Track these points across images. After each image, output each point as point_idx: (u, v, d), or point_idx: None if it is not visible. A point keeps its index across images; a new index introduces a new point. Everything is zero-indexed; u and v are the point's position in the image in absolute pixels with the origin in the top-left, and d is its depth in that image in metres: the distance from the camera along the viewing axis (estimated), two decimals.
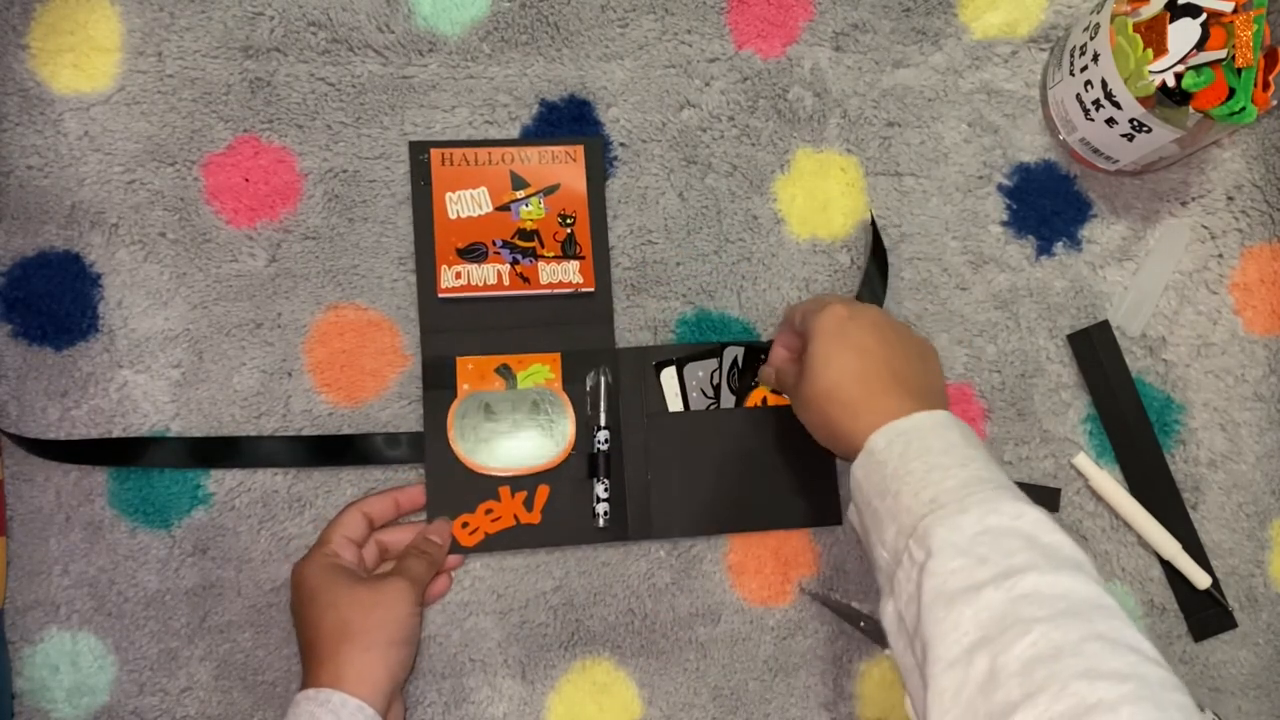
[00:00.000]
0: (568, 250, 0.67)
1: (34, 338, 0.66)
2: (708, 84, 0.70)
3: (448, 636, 0.65)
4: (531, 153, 0.68)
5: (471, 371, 0.66)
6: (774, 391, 0.68)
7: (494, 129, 0.69)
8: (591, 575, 0.66)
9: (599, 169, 0.68)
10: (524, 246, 0.67)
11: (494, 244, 0.67)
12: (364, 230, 0.68)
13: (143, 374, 0.66)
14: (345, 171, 0.68)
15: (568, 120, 0.69)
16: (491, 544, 0.65)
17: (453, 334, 0.66)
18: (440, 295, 0.66)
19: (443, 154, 0.67)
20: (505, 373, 0.66)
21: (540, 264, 0.67)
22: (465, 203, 0.67)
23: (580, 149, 0.68)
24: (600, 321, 0.67)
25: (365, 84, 0.69)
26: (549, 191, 0.67)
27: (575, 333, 0.67)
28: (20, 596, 0.64)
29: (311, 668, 0.58)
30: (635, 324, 0.69)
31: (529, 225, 0.67)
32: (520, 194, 0.67)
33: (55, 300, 0.66)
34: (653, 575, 0.67)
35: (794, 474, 0.67)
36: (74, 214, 0.67)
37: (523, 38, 0.70)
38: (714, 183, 0.70)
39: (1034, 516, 0.49)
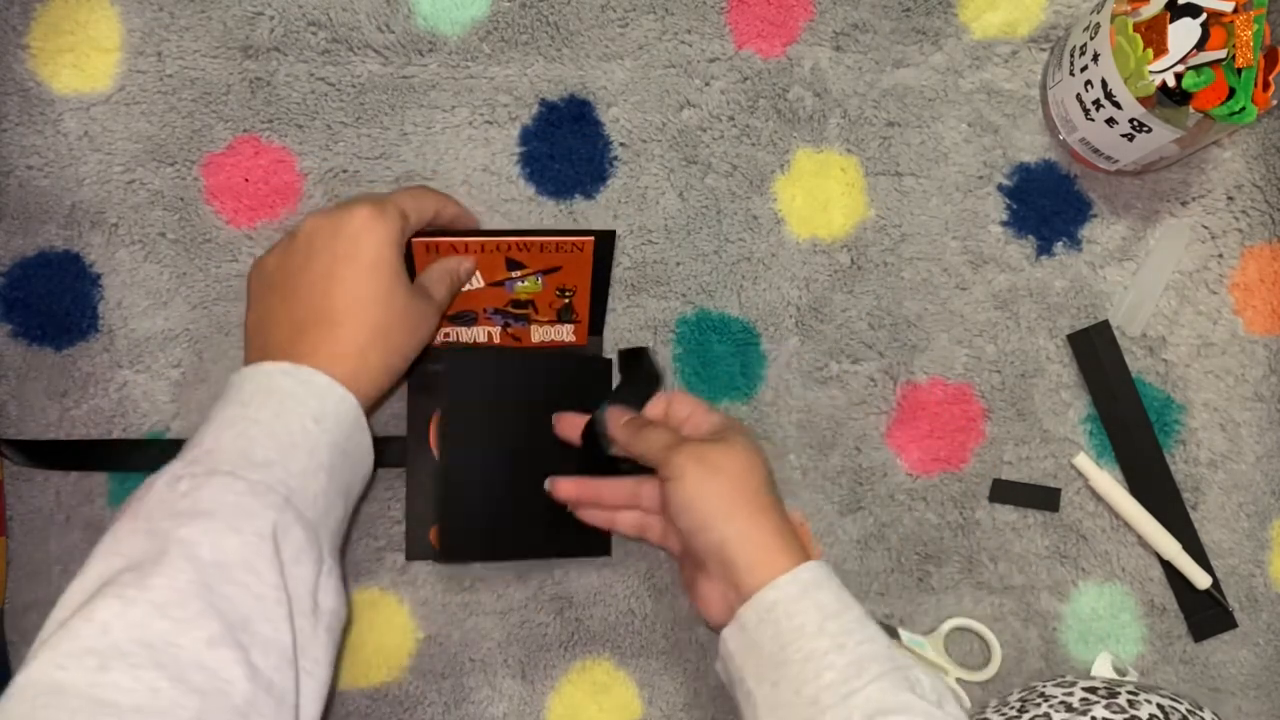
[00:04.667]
0: (563, 317, 0.65)
1: (34, 338, 0.66)
2: (708, 84, 0.70)
3: (448, 636, 0.65)
4: (532, 243, 0.61)
5: None
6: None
7: (494, 129, 0.69)
8: (591, 575, 0.66)
9: (608, 257, 0.64)
10: (517, 314, 0.65)
11: (485, 311, 0.64)
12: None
13: (143, 374, 0.66)
14: (345, 171, 0.68)
15: (568, 120, 0.69)
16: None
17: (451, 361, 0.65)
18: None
19: (426, 244, 0.60)
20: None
21: (533, 326, 0.65)
22: None
23: (589, 241, 0.62)
24: (596, 375, 0.67)
25: (365, 84, 0.69)
26: (548, 271, 0.63)
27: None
28: (20, 596, 0.64)
29: (312, 334, 0.52)
30: (635, 324, 0.69)
31: (524, 297, 0.64)
32: (516, 274, 0.63)
33: (55, 300, 0.66)
34: (653, 575, 0.67)
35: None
36: (74, 214, 0.67)
37: (523, 38, 0.70)
38: (714, 183, 0.70)
39: (920, 709, 0.48)
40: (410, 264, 0.60)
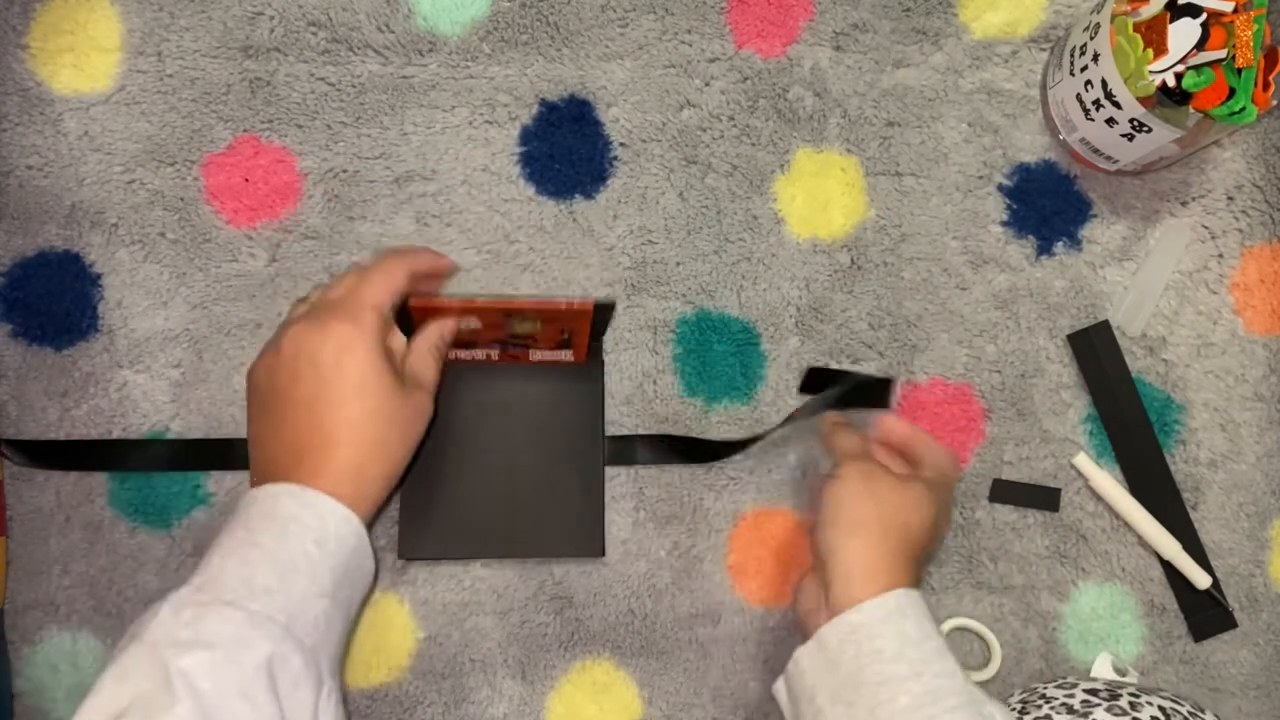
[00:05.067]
0: (563, 346, 0.65)
1: (34, 338, 0.66)
2: (708, 84, 0.70)
3: (448, 636, 0.65)
4: (531, 311, 0.59)
5: None
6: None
7: (494, 129, 0.69)
8: (591, 575, 0.66)
9: (605, 323, 0.64)
10: (518, 343, 0.64)
11: (485, 340, 0.64)
12: (364, 230, 0.68)
13: (143, 374, 0.66)
14: (345, 171, 0.68)
15: (568, 120, 0.69)
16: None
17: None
18: None
19: (425, 307, 0.59)
20: None
21: (533, 351, 0.65)
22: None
23: (588, 308, 0.59)
24: (590, 376, 0.67)
25: (365, 84, 0.69)
26: (548, 321, 0.61)
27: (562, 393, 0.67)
28: (20, 596, 0.64)
29: (311, 459, 0.52)
30: (635, 324, 0.69)
31: (523, 334, 0.63)
32: (514, 320, 0.61)
33: (55, 300, 0.66)
34: (653, 575, 0.67)
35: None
36: (74, 214, 0.67)
37: (523, 38, 0.69)
38: (714, 183, 0.70)
39: None
40: (409, 323, 0.59)
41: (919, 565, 0.58)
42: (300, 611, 0.49)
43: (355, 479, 0.53)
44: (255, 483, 0.55)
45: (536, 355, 0.66)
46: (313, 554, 0.51)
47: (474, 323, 0.61)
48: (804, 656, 0.54)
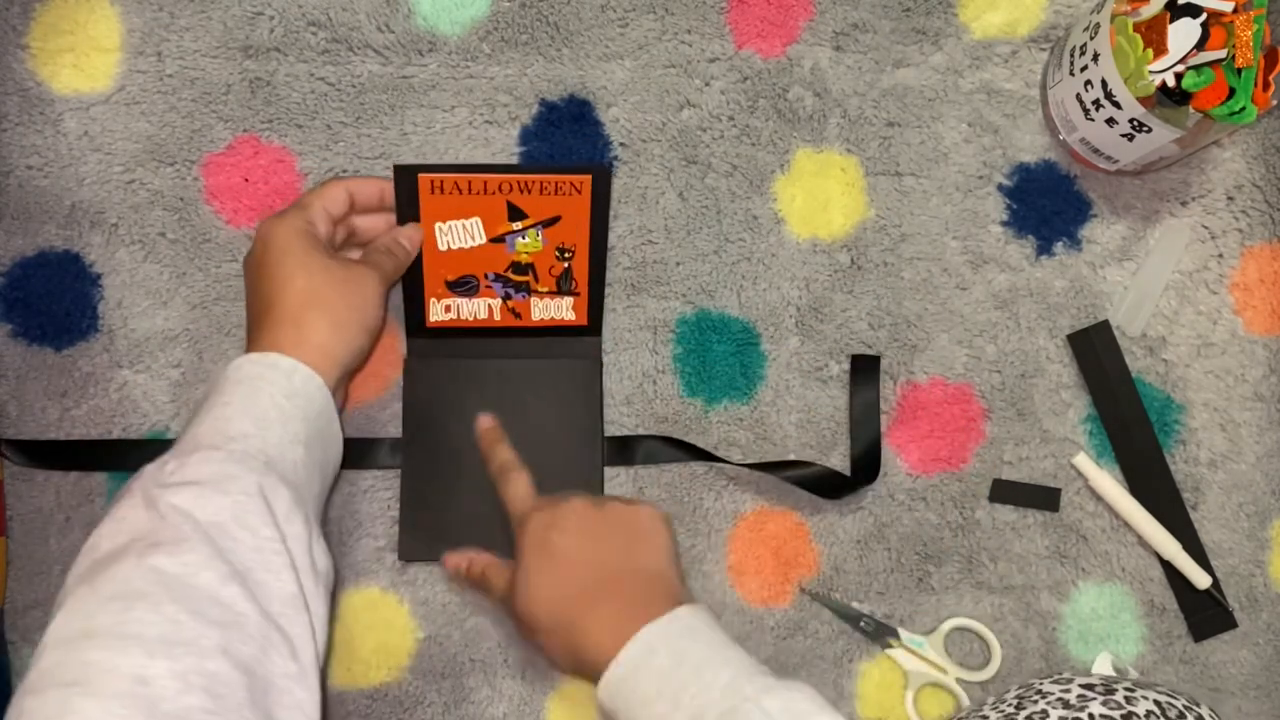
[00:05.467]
0: (563, 286, 0.65)
1: (34, 338, 0.66)
2: (708, 84, 0.70)
3: (448, 636, 0.65)
4: (533, 182, 0.62)
5: None
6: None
7: (494, 129, 0.69)
8: None
9: (605, 200, 0.63)
10: (517, 280, 0.65)
11: (486, 277, 0.65)
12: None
13: (143, 374, 0.66)
14: (345, 171, 0.68)
15: (568, 120, 0.69)
16: None
17: (438, 362, 0.66)
18: (428, 327, 0.66)
19: (432, 180, 0.61)
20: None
21: (533, 299, 0.65)
22: (456, 234, 0.63)
23: (587, 179, 0.62)
24: (589, 359, 0.67)
25: (365, 84, 0.69)
26: (548, 224, 0.63)
27: (563, 370, 0.67)
28: (20, 596, 0.64)
29: (264, 330, 0.56)
30: (635, 324, 0.69)
31: (524, 259, 0.64)
32: (517, 225, 0.63)
33: (55, 300, 0.66)
34: None
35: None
36: (74, 214, 0.67)
37: (523, 38, 0.69)
38: (714, 183, 0.70)
39: None
40: (416, 205, 0.62)
41: (659, 575, 0.56)
42: (279, 455, 0.51)
43: (295, 330, 0.55)
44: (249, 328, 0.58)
45: (538, 310, 0.66)
46: (284, 405, 0.53)
47: (477, 231, 0.62)
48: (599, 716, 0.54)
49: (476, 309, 0.65)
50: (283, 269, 0.56)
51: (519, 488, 0.60)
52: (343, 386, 0.60)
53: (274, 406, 0.53)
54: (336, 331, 0.56)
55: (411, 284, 0.64)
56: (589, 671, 0.53)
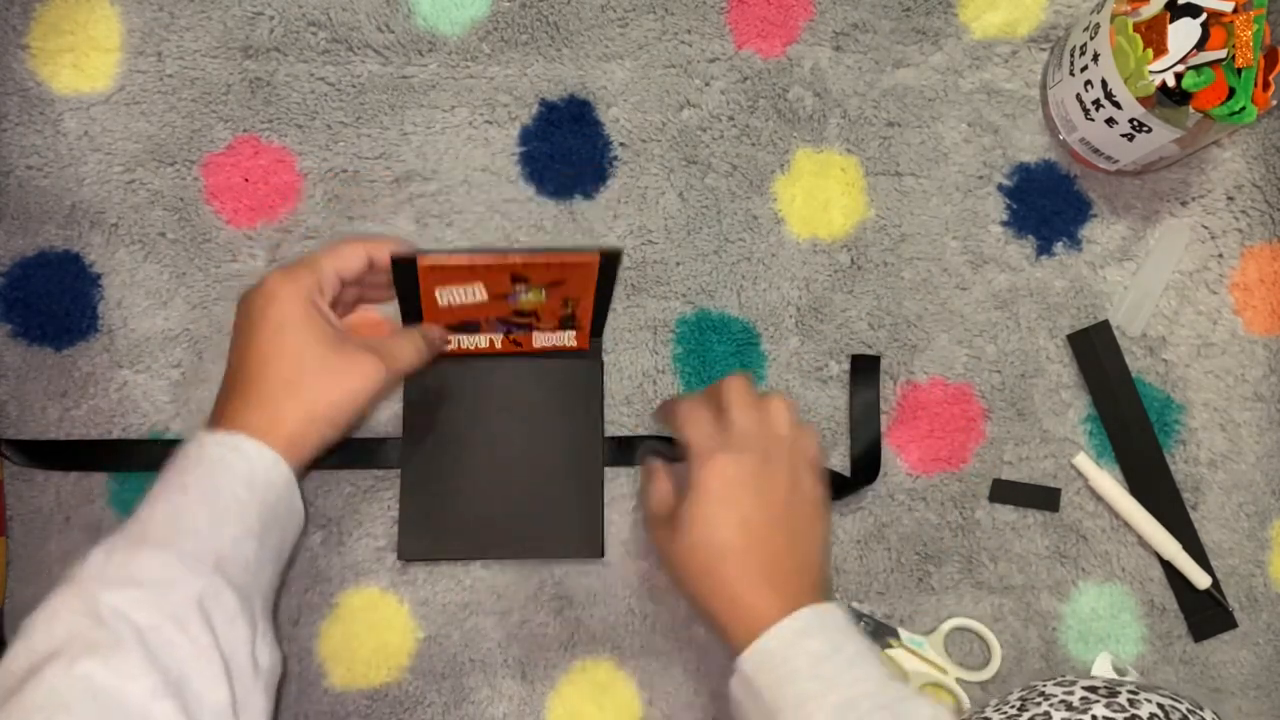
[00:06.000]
0: (566, 324, 0.65)
1: (34, 338, 0.66)
2: (708, 84, 0.70)
3: (448, 636, 0.65)
4: (538, 263, 0.59)
5: None
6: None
7: (494, 129, 0.69)
8: (591, 575, 0.66)
9: (612, 275, 0.61)
10: (520, 322, 0.64)
11: (488, 320, 0.64)
12: (364, 230, 0.68)
13: (143, 374, 0.66)
14: (345, 171, 0.68)
15: (568, 120, 0.69)
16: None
17: (439, 362, 0.65)
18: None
19: (433, 265, 0.57)
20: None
21: (535, 333, 0.65)
22: (457, 295, 0.60)
23: (595, 260, 0.59)
24: (590, 359, 0.67)
25: (365, 84, 0.69)
26: (553, 285, 0.61)
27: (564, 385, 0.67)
28: (20, 596, 0.64)
29: (236, 402, 0.53)
30: (635, 324, 0.69)
31: (527, 308, 0.63)
32: (520, 287, 0.60)
33: (55, 300, 0.66)
34: (653, 575, 0.67)
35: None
36: (74, 214, 0.67)
37: (523, 38, 0.69)
38: (714, 183, 0.70)
39: None
40: (416, 288, 0.59)
41: (817, 565, 0.58)
42: (230, 553, 0.50)
43: (270, 414, 0.53)
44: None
45: (540, 340, 0.65)
46: (241, 496, 0.51)
47: (479, 293, 0.60)
48: (734, 685, 0.55)
49: (477, 340, 0.65)
50: (273, 343, 0.54)
51: (701, 424, 0.59)
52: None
53: (233, 499, 0.51)
54: (312, 425, 0.54)
55: (409, 318, 0.62)
56: (724, 624, 0.55)
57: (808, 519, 0.59)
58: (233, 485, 0.51)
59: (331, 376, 0.54)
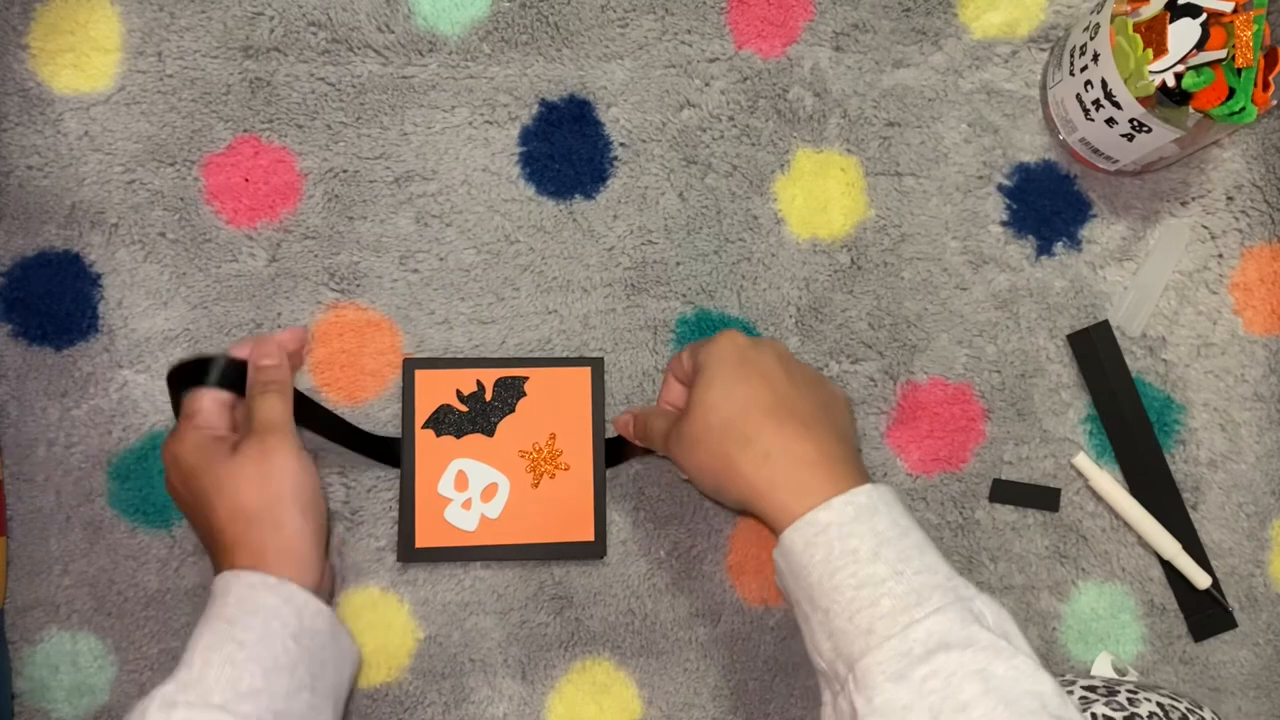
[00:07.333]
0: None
1: (34, 338, 0.66)
2: (708, 84, 0.70)
3: (448, 636, 0.65)
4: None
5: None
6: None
7: (494, 129, 0.69)
8: (591, 575, 0.66)
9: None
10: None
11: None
12: (364, 230, 0.68)
13: (143, 374, 0.66)
14: (345, 171, 0.68)
15: (568, 120, 0.69)
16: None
17: (440, 362, 0.67)
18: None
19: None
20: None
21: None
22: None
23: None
24: (590, 359, 0.68)
25: (365, 84, 0.69)
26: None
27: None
28: (20, 596, 0.64)
29: (222, 554, 0.54)
30: (635, 324, 0.69)
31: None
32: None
33: (55, 300, 0.66)
34: (653, 575, 0.67)
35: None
36: (74, 214, 0.67)
37: (523, 38, 0.70)
38: (714, 183, 0.70)
39: (985, 641, 0.44)
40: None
41: (854, 438, 0.55)
42: (286, 708, 0.50)
43: (280, 549, 0.53)
44: (222, 538, 0.54)
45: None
46: (292, 649, 0.51)
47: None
48: (778, 557, 0.51)
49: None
50: (200, 495, 0.54)
51: (681, 359, 0.59)
52: (324, 561, 0.57)
53: (284, 651, 0.51)
54: (284, 534, 0.53)
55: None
56: (758, 502, 0.51)
57: (829, 390, 0.56)
58: (284, 639, 0.51)
59: (261, 485, 0.54)
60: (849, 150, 0.71)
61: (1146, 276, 0.70)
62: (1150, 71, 0.61)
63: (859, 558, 0.48)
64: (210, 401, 0.57)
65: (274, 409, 0.56)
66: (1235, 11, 0.61)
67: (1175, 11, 0.61)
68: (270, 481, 0.54)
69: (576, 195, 0.69)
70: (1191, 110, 0.61)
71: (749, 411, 0.52)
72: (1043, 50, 0.72)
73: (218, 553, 0.54)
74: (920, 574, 0.47)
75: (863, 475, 0.52)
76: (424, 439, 0.65)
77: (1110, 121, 0.65)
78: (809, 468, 0.51)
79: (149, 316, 0.67)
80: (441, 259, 0.68)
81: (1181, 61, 0.61)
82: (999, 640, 0.45)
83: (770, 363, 0.55)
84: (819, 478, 0.50)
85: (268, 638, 0.51)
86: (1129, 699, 0.54)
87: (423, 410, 0.65)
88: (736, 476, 0.52)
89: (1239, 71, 0.61)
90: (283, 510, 0.54)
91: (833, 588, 0.48)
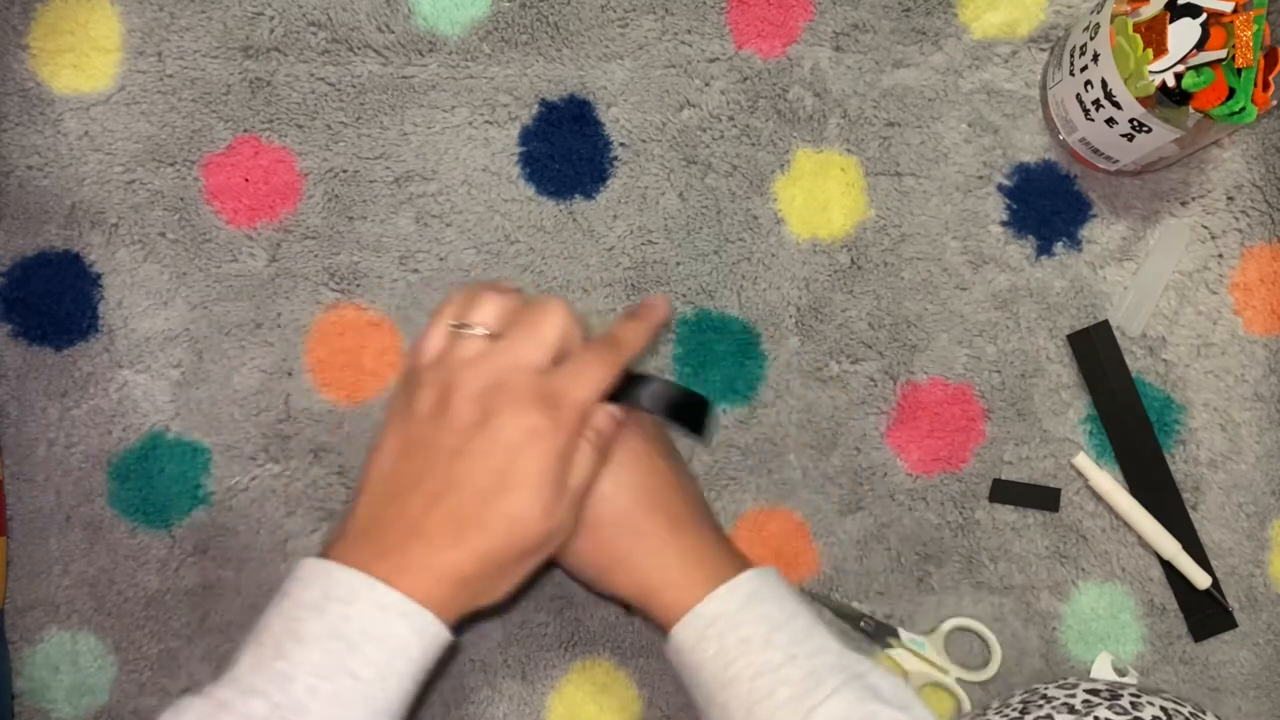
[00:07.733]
0: None
1: (34, 338, 0.66)
2: (708, 84, 0.70)
3: None
4: None
5: None
6: None
7: (494, 129, 0.69)
8: None
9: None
10: None
11: None
12: (364, 230, 0.68)
13: (143, 374, 0.66)
14: (345, 171, 0.68)
15: (568, 120, 0.69)
16: None
17: None
18: None
19: None
20: None
21: None
22: None
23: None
24: None
25: (365, 84, 0.69)
26: None
27: None
28: (20, 596, 0.64)
29: (419, 534, 0.45)
30: None
31: None
32: None
33: (55, 300, 0.66)
34: None
35: None
36: (74, 214, 0.67)
37: (523, 38, 0.70)
38: (714, 183, 0.70)
39: (886, 717, 0.44)
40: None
41: (718, 529, 0.53)
42: None
43: (456, 584, 0.47)
44: (359, 512, 0.48)
45: None
46: (408, 691, 0.46)
47: None
48: (671, 652, 0.49)
49: None
50: (502, 504, 0.46)
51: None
52: None
53: (399, 696, 0.45)
54: (487, 593, 0.48)
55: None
56: (648, 598, 0.49)
57: (687, 469, 0.53)
58: (403, 681, 0.45)
59: (532, 557, 0.49)
60: (849, 150, 0.71)
61: (1146, 276, 0.70)
62: (1150, 71, 0.61)
63: (751, 646, 0.47)
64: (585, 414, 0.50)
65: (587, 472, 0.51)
66: (1235, 11, 0.61)
67: (1175, 11, 0.61)
68: (530, 522, 0.48)
69: (576, 195, 0.69)
70: (1191, 110, 0.61)
71: (639, 502, 0.51)
72: (1043, 50, 0.72)
73: (391, 522, 0.46)
74: (814, 656, 0.47)
75: (742, 560, 0.51)
76: None
77: (1110, 121, 0.65)
78: (695, 560, 0.50)
79: (149, 316, 0.67)
80: (441, 259, 0.68)
81: (1181, 61, 0.61)
82: (899, 714, 0.45)
83: (642, 445, 0.52)
84: (704, 569, 0.49)
85: (386, 678, 0.44)
86: (1132, 703, 0.54)
87: None
88: (631, 570, 0.51)
89: (1239, 71, 0.61)
90: (527, 565, 0.49)
91: (729, 679, 0.47)
